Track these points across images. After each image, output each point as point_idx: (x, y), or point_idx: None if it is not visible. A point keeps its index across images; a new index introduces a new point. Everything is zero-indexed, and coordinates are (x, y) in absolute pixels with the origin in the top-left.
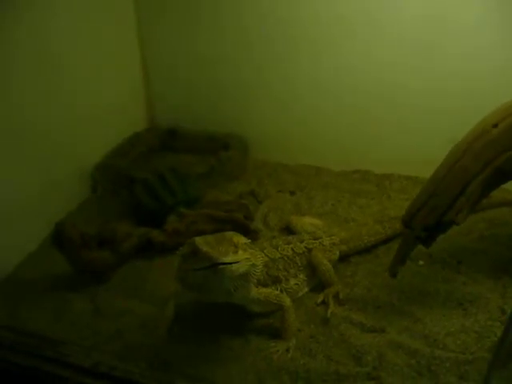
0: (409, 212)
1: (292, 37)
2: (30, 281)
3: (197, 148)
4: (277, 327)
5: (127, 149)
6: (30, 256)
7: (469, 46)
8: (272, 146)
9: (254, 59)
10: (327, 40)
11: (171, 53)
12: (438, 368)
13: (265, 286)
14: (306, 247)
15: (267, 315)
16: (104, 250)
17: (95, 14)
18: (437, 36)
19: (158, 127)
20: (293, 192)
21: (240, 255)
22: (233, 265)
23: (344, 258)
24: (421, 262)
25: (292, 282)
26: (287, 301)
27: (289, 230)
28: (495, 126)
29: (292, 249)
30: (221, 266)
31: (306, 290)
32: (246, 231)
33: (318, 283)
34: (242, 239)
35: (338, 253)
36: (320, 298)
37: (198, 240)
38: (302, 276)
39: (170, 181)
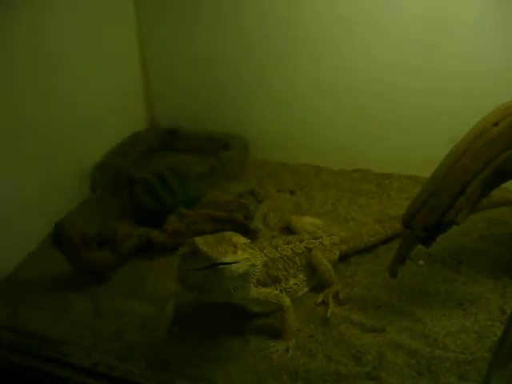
0: (409, 212)
1: (292, 37)
2: (29, 281)
3: (197, 148)
4: (276, 327)
5: (127, 149)
6: (29, 256)
7: (469, 45)
8: (272, 146)
9: (254, 59)
10: (327, 40)
11: (171, 53)
12: (437, 368)
13: (264, 285)
14: (305, 247)
15: (267, 315)
16: (104, 250)
17: (95, 14)
18: (437, 36)
19: (158, 127)
20: (293, 191)
21: (239, 255)
22: (232, 265)
23: (344, 257)
24: (421, 262)
25: (292, 281)
26: (287, 301)
27: (289, 230)
28: (496, 124)
29: (292, 249)
30: (220, 266)
31: (306, 289)
32: (246, 231)
33: (318, 283)
34: (241, 239)
35: (337, 252)
36: (320, 298)
37: (198, 240)
38: (301, 276)
39: (170, 181)
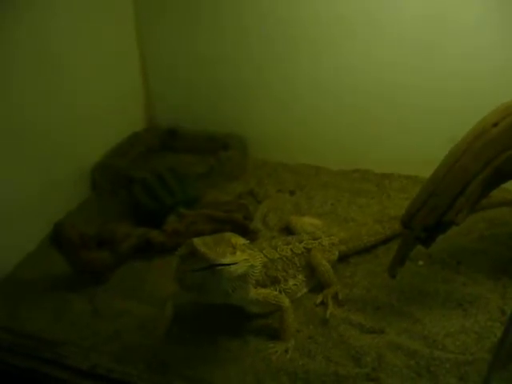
0: (408, 212)
1: (292, 37)
2: (29, 281)
3: (196, 148)
4: (275, 328)
5: (126, 149)
6: (29, 256)
7: (469, 45)
8: (272, 146)
9: (254, 59)
10: (327, 40)
11: (171, 53)
12: (437, 369)
13: (263, 286)
14: (305, 247)
15: (266, 316)
16: (103, 251)
17: (95, 14)
18: (437, 36)
19: (158, 127)
20: (292, 192)
21: (238, 256)
22: (231, 266)
23: (343, 258)
24: (420, 263)
25: (291, 282)
26: (286, 301)
27: (288, 230)
28: (495, 125)
29: (291, 249)
30: (219, 267)
31: (305, 290)
32: (246, 231)
33: (317, 284)
34: (240, 240)
35: (337, 253)
36: (319, 299)
37: (196, 241)
38: (300, 276)
39: (169, 181)
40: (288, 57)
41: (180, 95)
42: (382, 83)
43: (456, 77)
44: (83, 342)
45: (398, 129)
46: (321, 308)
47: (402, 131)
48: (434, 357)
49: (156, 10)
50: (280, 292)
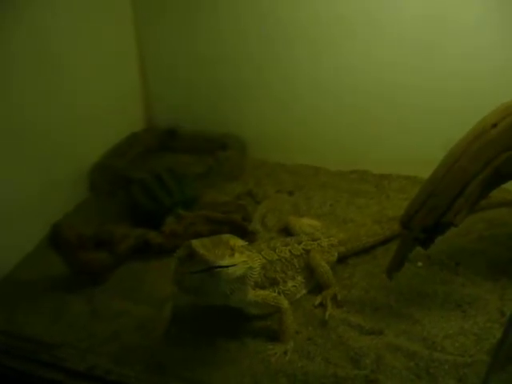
0: (407, 213)
1: (291, 37)
2: (26, 282)
3: (195, 148)
4: (274, 329)
5: (125, 149)
6: (26, 257)
7: (469, 45)
8: (271, 146)
9: (253, 59)
10: (327, 40)
11: (170, 53)
12: (436, 371)
13: (262, 288)
14: (303, 249)
15: (265, 317)
16: (101, 252)
17: (94, 14)
18: (437, 36)
19: (157, 127)
20: (291, 192)
21: (237, 258)
22: (229, 268)
23: (342, 259)
24: (419, 264)
25: (290, 284)
26: (285, 303)
27: (287, 231)
28: (494, 125)
29: (290, 250)
30: (217, 269)
31: (304, 291)
32: (244, 233)
33: (316, 285)
34: (238, 242)
35: (336, 254)
36: (318, 300)
37: (195, 243)
38: (299, 278)
39: (168, 181)
40: (287, 57)
41: (179, 95)
42: (382, 83)
43: (456, 77)
44: (81, 343)
45: (397, 129)
46: (320, 309)
47: (401, 131)
48: (433, 358)
49: (155, 10)
50: (279, 293)
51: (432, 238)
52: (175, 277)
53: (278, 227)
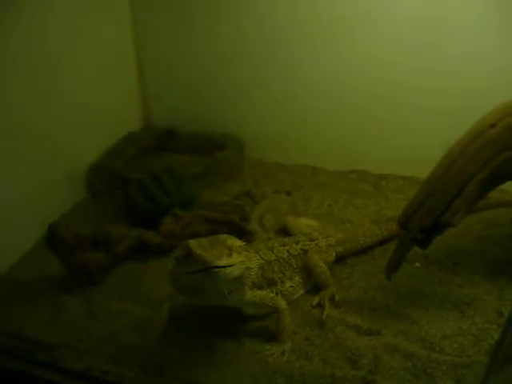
0: (405, 213)
1: (290, 37)
2: (23, 282)
3: (193, 148)
4: (272, 330)
5: (122, 149)
6: (23, 257)
7: (469, 45)
8: (269, 146)
9: (252, 59)
10: (326, 40)
11: (168, 53)
12: (434, 371)
13: (260, 288)
14: (301, 249)
15: (262, 318)
16: (98, 252)
17: (93, 14)
18: (437, 36)
19: (155, 127)
20: (289, 192)
21: (234, 258)
22: (227, 268)
23: (340, 259)
24: (417, 264)
25: (287, 284)
26: (282, 303)
27: (285, 231)
28: (493, 126)
29: (287, 251)
30: (214, 270)
31: (302, 292)
32: (242, 233)
33: (314, 285)
34: (236, 242)
35: (334, 254)
36: (316, 300)
37: (192, 243)
38: (297, 278)
39: (165, 181)
40: (286, 57)
41: (177, 95)
42: (381, 83)
43: (456, 77)
44: (78, 343)
45: (396, 129)
46: (317, 310)
47: (400, 131)
48: (431, 359)
49: (154, 10)
50: (276, 294)
51: (430, 238)
52: (172, 277)
53: (276, 227)
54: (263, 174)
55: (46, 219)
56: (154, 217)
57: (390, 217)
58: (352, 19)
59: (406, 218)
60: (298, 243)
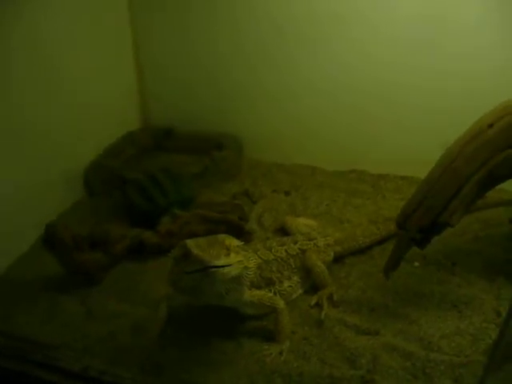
0: (403, 213)
1: (288, 36)
2: (21, 282)
3: (191, 148)
4: (270, 330)
5: (121, 149)
6: (21, 257)
7: (469, 45)
8: (267, 146)
9: (249, 58)
10: (324, 39)
11: (166, 53)
12: (432, 371)
13: (258, 288)
14: (299, 248)
15: (260, 318)
16: (96, 252)
17: (92, 14)
18: (436, 35)
19: (153, 127)
20: (288, 192)
21: (232, 258)
22: (224, 268)
23: (338, 258)
24: (416, 264)
25: (286, 284)
26: (281, 303)
27: (283, 231)
28: (491, 126)
29: (286, 250)
30: (212, 269)
31: (300, 291)
32: (240, 232)
33: (312, 285)
34: (234, 242)
35: (332, 254)
36: (314, 300)
37: (190, 243)
38: (295, 278)
39: (163, 181)
40: (284, 56)
41: (175, 95)
42: (380, 82)
43: (455, 77)
44: (76, 344)
45: (395, 129)
46: (316, 309)
47: (399, 131)
48: (430, 358)
49: (152, 10)
50: (275, 294)
51: (428, 238)
52: (170, 277)
53: (274, 227)
54: (262, 173)
55: (44, 219)
56: (151, 217)
57: (388, 217)
58: (350, 18)
59: (404, 217)
60: (296, 243)
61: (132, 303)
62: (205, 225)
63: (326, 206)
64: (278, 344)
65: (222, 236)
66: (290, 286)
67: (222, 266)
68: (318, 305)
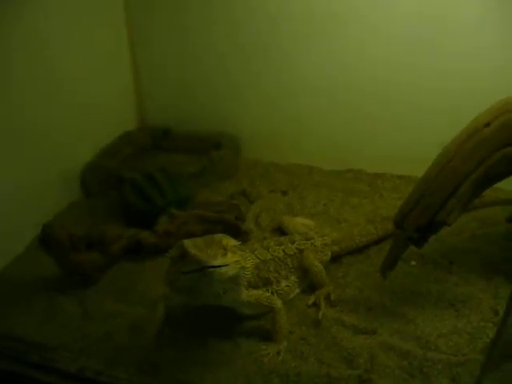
0: (400, 212)
1: (284, 35)
2: (17, 283)
3: (188, 148)
4: (267, 329)
5: (117, 149)
6: (17, 258)
7: (468, 45)
8: (264, 146)
9: (246, 58)
10: (320, 37)
11: (162, 53)
12: (429, 370)
13: (255, 287)
14: (297, 248)
15: (258, 317)
16: (92, 252)
17: (88, 15)
18: (436, 35)
19: (150, 127)
20: (285, 192)
21: (229, 258)
22: (222, 268)
23: (336, 258)
24: (413, 263)
25: (283, 283)
26: (278, 303)
27: (281, 231)
28: (487, 125)
29: (283, 250)
30: (209, 269)
31: (298, 291)
32: (238, 232)
33: (310, 284)
34: (231, 241)
35: (329, 253)
36: (311, 300)
37: (187, 243)
38: (293, 277)
39: (160, 181)
40: (279, 55)
41: (172, 95)
42: (377, 81)
43: (454, 76)
44: (73, 344)
45: (392, 127)
46: (313, 309)
47: (396, 130)
48: (427, 358)
49: (148, 11)
50: (272, 293)
51: (425, 237)
52: (167, 277)
53: (271, 227)
54: (259, 173)
55: (41, 219)
56: (149, 216)
57: (385, 216)
58: (347, 17)
59: (401, 217)
60: (293, 242)
61: (129, 303)
62: (202, 225)
63: (324, 205)
64: (275, 344)
65: (219, 236)
66: (288, 286)
67: (219, 266)
68: (316, 304)
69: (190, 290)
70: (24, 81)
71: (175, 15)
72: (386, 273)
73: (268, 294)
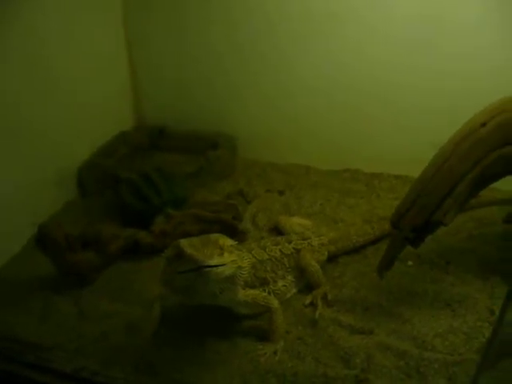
0: (397, 212)
1: (281, 34)
2: (13, 283)
3: (185, 147)
4: (264, 329)
5: (114, 148)
6: (13, 257)
7: (468, 45)
8: (261, 145)
9: (243, 58)
10: (318, 37)
11: (159, 52)
12: (426, 369)
13: (252, 287)
14: (294, 248)
15: (255, 317)
16: (88, 252)
17: (86, 15)
18: (435, 35)
19: (146, 126)
20: (282, 192)
21: (226, 257)
22: (218, 267)
23: (332, 258)
24: (410, 263)
25: (280, 283)
26: (275, 302)
27: (277, 231)
28: (483, 125)
29: (280, 250)
30: (206, 269)
31: (294, 291)
32: (234, 232)
33: (306, 284)
34: (227, 241)
35: (326, 253)
36: (308, 300)
37: (183, 242)
38: (290, 277)
39: (156, 180)
40: (277, 55)
41: (168, 95)
42: (374, 81)
43: (453, 76)
44: (69, 344)
45: (389, 127)
46: (310, 309)
47: (393, 130)
48: (423, 357)
49: (145, 11)
50: (269, 293)
51: (422, 237)
52: (164, 277)
53: (268, 226)
54: (256, 173)
55: (37, 219)
56: (145, 216)
57: (382, 216)
58: (345, 17)
59: (398, 217)
60: (290, 242)
61: (126, 303)
62: (199, 224)
63: (320, 205)
64: (272, 343)
65: (215, 235)
66: (285, 286)
67: (216, 266)
68: (313, 304)
69: (186, 289)
70: (21, 80)
71: (172, 15)
72: (382, 273)
73: (265, 294)
